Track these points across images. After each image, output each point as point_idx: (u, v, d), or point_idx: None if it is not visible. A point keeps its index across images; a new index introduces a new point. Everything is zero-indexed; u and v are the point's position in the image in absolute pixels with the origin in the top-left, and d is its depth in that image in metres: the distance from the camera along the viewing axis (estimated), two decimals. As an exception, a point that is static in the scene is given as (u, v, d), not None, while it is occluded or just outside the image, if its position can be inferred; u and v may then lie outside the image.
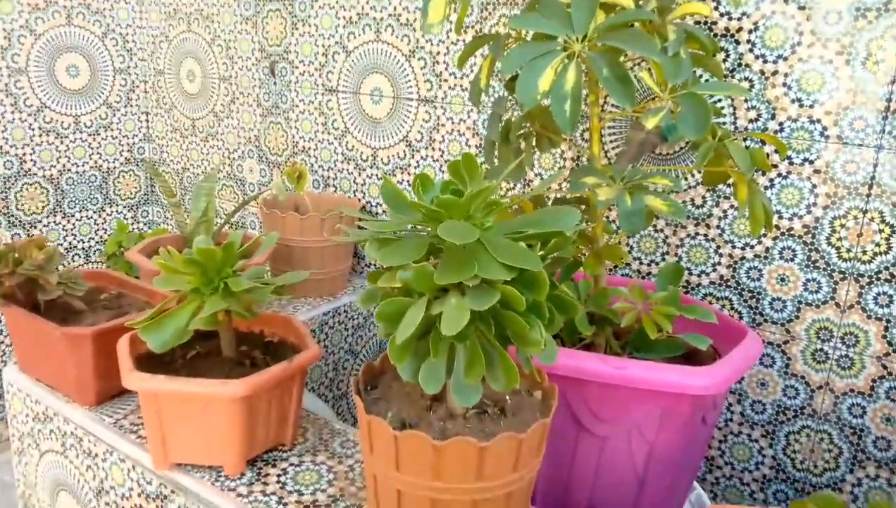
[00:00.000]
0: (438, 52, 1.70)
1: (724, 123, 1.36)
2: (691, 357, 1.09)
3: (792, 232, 1.33)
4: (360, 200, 1.95)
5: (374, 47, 1.81)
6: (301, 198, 1.89)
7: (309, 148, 2.02)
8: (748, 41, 1.30)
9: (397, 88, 1.79)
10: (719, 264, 1.42)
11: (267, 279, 1.11)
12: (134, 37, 2.33)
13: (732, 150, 1.03)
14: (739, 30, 1.31)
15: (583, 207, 1.11)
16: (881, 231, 1.25)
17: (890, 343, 1.27)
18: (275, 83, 2.04)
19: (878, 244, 1.26)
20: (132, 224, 2.41)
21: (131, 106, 2.36)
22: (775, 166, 1.32)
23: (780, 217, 1.34)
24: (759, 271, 1.38)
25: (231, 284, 1.03)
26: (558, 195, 1.19)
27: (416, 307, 0.73)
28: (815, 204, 1.30)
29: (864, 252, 1.27)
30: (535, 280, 0.74)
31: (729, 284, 1.42)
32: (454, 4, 1.03)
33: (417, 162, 1.81)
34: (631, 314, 1.00)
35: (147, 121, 2.40)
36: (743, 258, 1.39)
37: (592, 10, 0.98)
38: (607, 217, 1.51)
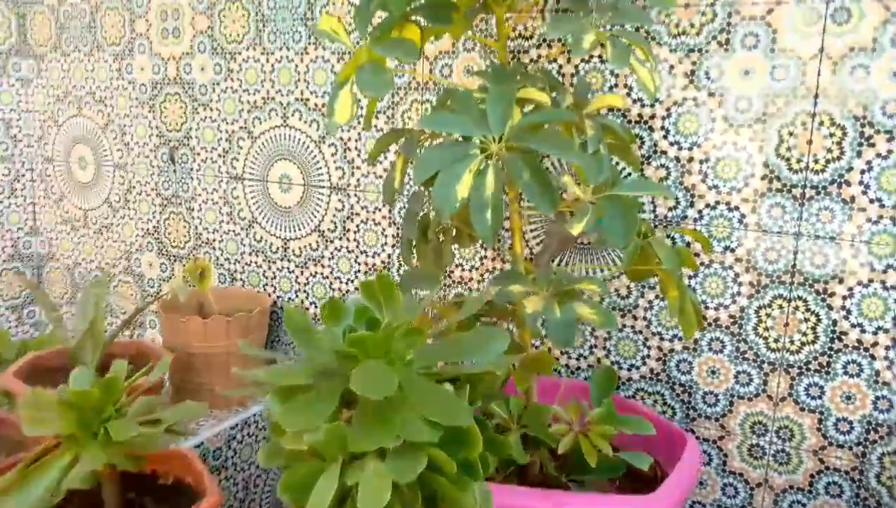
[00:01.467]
0: (350, 138, 1.62)
1: (644, 212, 1.32)
2: (633, 473, 1.01)
3: (719, 322, 1.30)
4: (270, 294, 1.82)
5: (281, 133, 1.72)
6: (205, 296, 1.74)
7: (213, 240, 1.88)
8: (662, 128, 1.28)
9: (307, 175, 1.70)
10: (648, 356, 1.37)
11: (159, 415, 0.97)
12: (18, 122, 2.15)
13: (659, 250, 0.98)
14: (653, 116, 1.29)
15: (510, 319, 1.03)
16: (807, 320, 1.23)
17: (825, 436, 1.23)
18: (175, 171, 1.91)
19: (804, 334, 1.23)
20: (16, 328, 2.18)
21: (16, 197, 2.16)
22: (697, 256, 1.29)
23: (706, 307, 1.30)
24: (690, 363, 1.33)
25: (113, 430, 0.88)
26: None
27: (327, 478, 0.62)
28: (739, 293, 1.27)
29: (792, 342, 1.25)
30: (467, 436, 0.64)
31: (660, 378, 1.36)
32: (362, 100, 0.95)
33: (332, 253, 1.70)
34: (569, 438, 0.91)
35: (34, 212, 2.21)
36: (672, 351, 1.34)
37: (509, 108, 0.93)
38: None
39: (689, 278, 1.30)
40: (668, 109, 1.28)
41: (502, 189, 0.87)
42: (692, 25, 1.23)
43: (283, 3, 1.64)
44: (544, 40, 1.35)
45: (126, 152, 2.00)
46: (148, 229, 2.00)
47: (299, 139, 1.69)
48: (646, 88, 0.97)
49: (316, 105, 1.65)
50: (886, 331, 1.17)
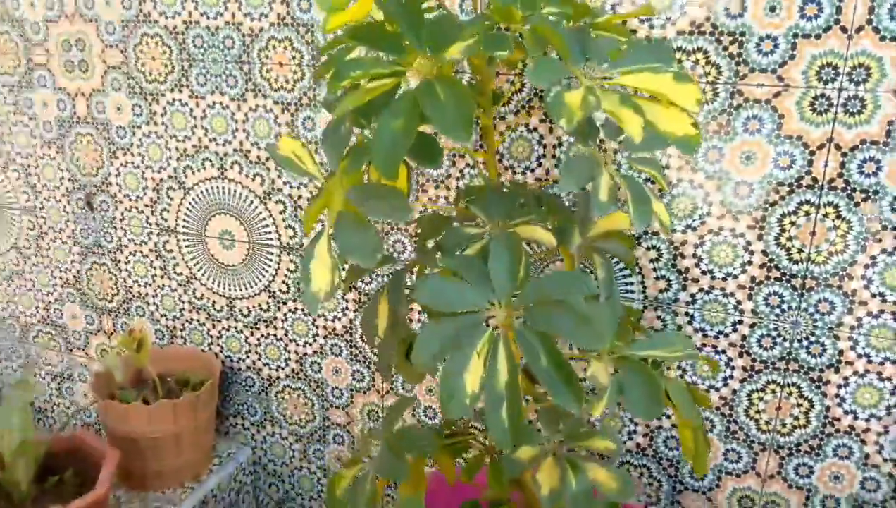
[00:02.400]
0: (300, 197, 1.45)
1: (633, 293, 1.24)
2: None
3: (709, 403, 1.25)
4: (217, 354, 1.67)
5: (218, 185, 1.53)
6: (145, 369, 1.57)
7: (146, 294, 1.69)
8: (652, 205, 1.19)
9: (252, 232, 1.53)
10: (635, 432, 1.32)
11: None
12: None
13: (674, 392, 0.90)
14: (641, 192, 1.19)
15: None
16: (799, 405, 1.20)
17: (819, 522, 1.23)
18: (94, 218, 1.68)
19: (797, 418, 1.21)
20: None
21: None
22: (689, 337, 1.23)
23: (696, 387, 1.25)
24: (677, 440, 1.30)
25: None
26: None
27: None
28: (731, 377, 1.23)
29: (784, 425, 1.22)
30: None
31: (647, 452, 1.32)
32: (341, 267, 0.81)
33: (285, 315, 1.56)
34: None
35: (-73, 256, 1.93)
36: (660, 427, 1.30)
37: (515, 263, 0.81)
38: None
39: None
40: (660, 190, 1.18)
41: (518, 375, 0.77)
42: (688, 102, 1.12)
43: (212, 42, 1.42)
44: (523, 107, 1.22)
45: (33, 195, 1.75)
46: (67, 279, 1.78)
47: (240, 194, 1.51)
48: (662, 224, 0.86)
49: (258, 158, 1.46)
50: (879, 419, 1.16)
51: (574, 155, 0.82)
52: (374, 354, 1.47)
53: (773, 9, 1.04)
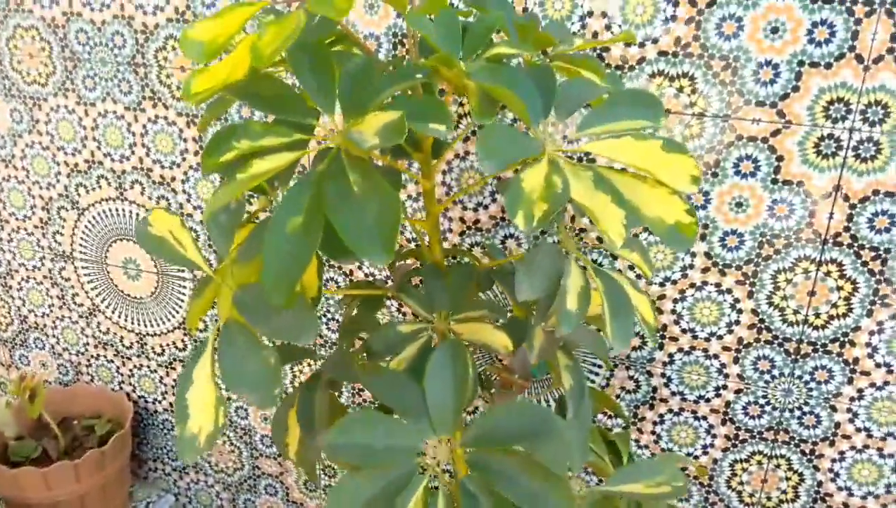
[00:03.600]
0: (213, 225, 1.23)
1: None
2: None
3: (686, 472, 1.10)
4: (129, 395, 1.46)
5: (117, 207, 1.29)
6: (42, 418, 1.36)
7: (43, 325, 1.47)
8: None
9: (161, 262, 1.30)
10: None
11: None
12: None
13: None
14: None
15: None
16: (788, 479, 1.06)
17: None
18: (-23, 239, 1.44)
19: (784, 492, 1.07)
20: None
21: None
22: (665, 401, 1.07)
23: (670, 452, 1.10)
24: None
25: None
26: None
27: None
28: (712, 445, 1.07)
29: (770, 499, 1.08)
30: None
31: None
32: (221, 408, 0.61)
33: (203, 355, 1.35)
34: None
35: None
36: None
37: (461, 389, 0.62)
38: None
39: (655, 423, 1.09)
40: (635, 234, 1.00)
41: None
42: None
43: (99, 39, 1.17)
44: (473, 132, 1.01)
45: None
46: (-47, 306, 1.54)
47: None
48: (648, 330, 0.68)
49: (162, 178, 1.23)
50: (877, 497, 1.02)
51: (535, 250, 0.63)
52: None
53: (775, 30, 0.84)
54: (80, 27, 1.18)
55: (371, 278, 1.12)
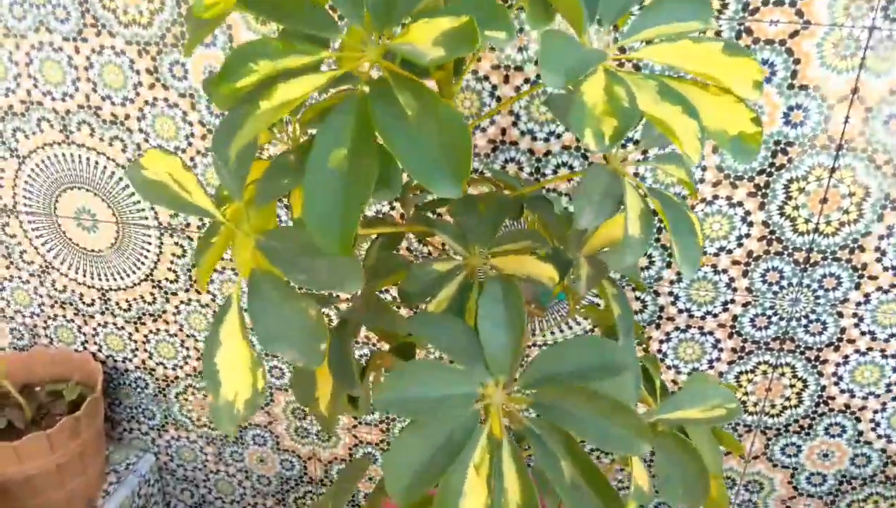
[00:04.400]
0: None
1: (609, 273, 1.04)
2: None
3: (693, 387, 1.10)
4: (95, 355, 1.36)
5: (63, 152, 1.16)
6: (6, 393, 1.26)
7: (-10, 288, 1.34)
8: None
9: (119, 210, 1.19)
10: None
11: None
12: None
13: (703, 447, 0.73)
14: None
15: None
16: (792, 386, 1.07)
17: (796, 489, 1.14)
18: None
19: (787, 398, 1.08)
20: None
21: None
22: (671, 320, 1.06)
23: (678, 372, 1.10)
24: (655, 424, 1.15)
25: None
26: None
27: None
28: (718, 359, 1.07)
29: (773, 406, 1.09)
30: None
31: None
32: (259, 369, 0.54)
33: (176, 307, 1.26)
34: None
35: None
36: (635, 413, 1.15)
37: (518, 331, 0.58)
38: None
39: (661, 341, 1.08)
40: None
41: (535, 495, 0.55)
42: (684, 45, 0.87)
43: (24, -42, 1.02)
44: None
45: None
46: None
47: (97, 162, 1.16)
48: (691, 192, 0.65)
49: (114, 116, 1.11)
50: (877, 396, 1.05)
51: (590, 176, 0.57)
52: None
53: (799, -79, 0.79)
54: (0, -56, 1.02)
55: (381, 215, 1.05)
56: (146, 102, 1.08)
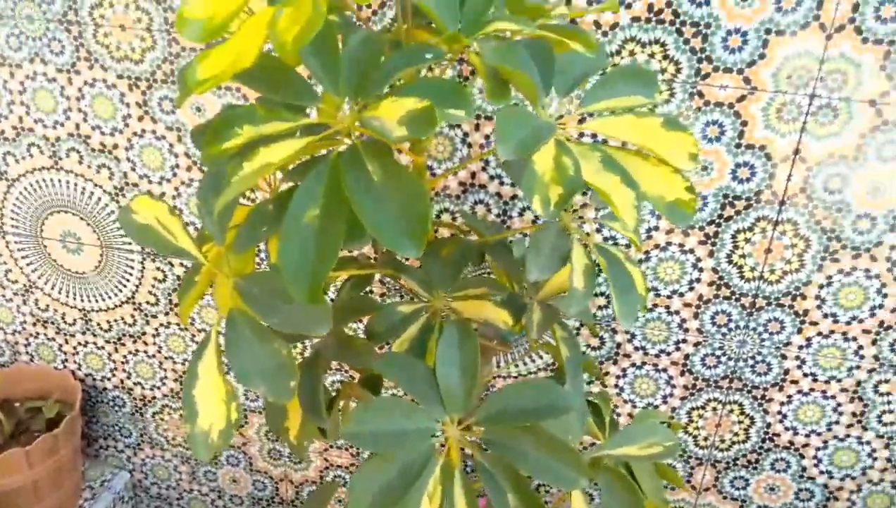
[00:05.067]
0: (164, 194, 1.17)
1: (570, 310, 1.10)
2: None
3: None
4: (74, 373, 1.39)
5: (51, 177, 1.21)
6: (-20, 409, 1.29)
7: (-27, 304, 1.37)
8: (595, 219, 1.03)
9: (104, 234, 1.24)
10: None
11: None
12: None
13: (645, 481, 0.79)
14: (584, 205, 1.03)
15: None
16: (740, 422, 1.13)
17: (753, 535, 1.20)
18: None
19: (736, 434, 1.15)
20: None
21: None
22: (628, 356, 1.12)
23: (634, 406, 1.16)
24: (612, 454, 1.21)
25: None
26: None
27: None
28: (671, 395, 1.14)
29: (723, 441, 1.16)
30: None
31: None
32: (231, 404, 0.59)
33: (156, 330, 1.30)
34: None
35: None
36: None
37: (472, 371, 0.63)
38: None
39: (618, 377, 1.14)
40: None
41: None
42: (641, 103, 0.94)
43: (23, -5, 1.07)
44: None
45: None
46: None
47: (83, 188, 1.20)
48: (636, 246, 0.71)
49: (103, 145, 1.16)
50: (819, 434, 1.11)
51: (541, 232, 0.63)
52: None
53: (745, -2, 0.86)
54: (1, -19, 1.07)
55: (353, 255, 1.10)
56: (134, 134, 1.13)
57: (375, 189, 0.52)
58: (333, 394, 0.82)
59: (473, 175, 1.04)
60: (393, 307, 0.70)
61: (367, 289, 1.11)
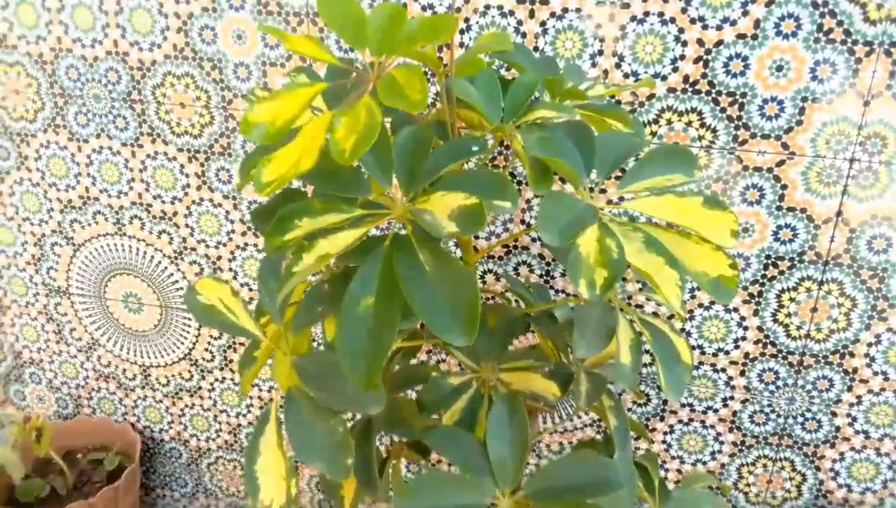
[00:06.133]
0: (220, 257, 1.23)
1: (614, 368, 1.11)
2: None
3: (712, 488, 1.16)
4: (133, 425, 1.45)
5: (115, 243, 1.28)
6: (48, 459, 1.34)
7: (39, 360, 1.44)
8: (640, 283, 1.05)
9: (163, 295, 1.29)
10: None
11: None
12: None
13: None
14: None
15: None
16: (792, 479, 1.12)
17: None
18: (-36, 277, 1.40)
19: (788, 491, 1.13)
20: None
21: None
22: (674, 413, 1.12)
23: (682, 462, 1.15)
24: (660, 511, 1.20)
25: None
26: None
27: None
28: (720, 451, 1.13)
29: (774, 497, 1.14)
30: None
31: (627, 524, 1.23)
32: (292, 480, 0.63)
33: (211, 385, 1.35)
34: None
35: None
36: (641, 500, 1.20)
37: (522, 445, 0.65)
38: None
39: (664, 433, 1.14)
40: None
41: None
42: (680, 167, 0.96)
43: (90, 75, 1.15)
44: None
45: None
46: (-61, 344, 1.49)
47: (144, 252, 1.27)
48: (679, 315, 0.72)
49: (164, 213, 1.22)
50: (874, 492, 1.09)
51: (587, 307, 0.66)
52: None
53: (779, 67, 0.88)
54: (71, 63, 1.15)
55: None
56: (193, 202, 1.19)
57: (427, 279, 0.55)
58: (385, 456, 0.84)
59: (516, 240, 1.07)
60: (443, 379, 0.73)
61: (418, 362, 1.14)
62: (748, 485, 1.14)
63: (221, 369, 1.33)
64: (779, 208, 0.95)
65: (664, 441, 1.15)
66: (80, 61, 1.15)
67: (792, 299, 1.00)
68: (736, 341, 1.04)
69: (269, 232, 0.59)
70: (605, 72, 0.94)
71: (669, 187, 0.67)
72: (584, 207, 0.61)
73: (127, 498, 1.34)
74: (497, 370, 0.74)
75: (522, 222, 1.06)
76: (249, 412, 1.35)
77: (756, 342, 1.04)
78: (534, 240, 1.06)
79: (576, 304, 0.73)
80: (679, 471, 1.16)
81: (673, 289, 0.60)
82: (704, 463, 1.15)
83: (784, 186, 0.94)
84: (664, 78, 0.92)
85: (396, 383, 0.75)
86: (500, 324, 0.76)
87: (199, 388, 1.36)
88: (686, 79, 0.91)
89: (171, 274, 1.27)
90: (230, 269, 1.23)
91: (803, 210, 0.95)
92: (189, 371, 1.35)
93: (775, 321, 1.02)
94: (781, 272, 0.99)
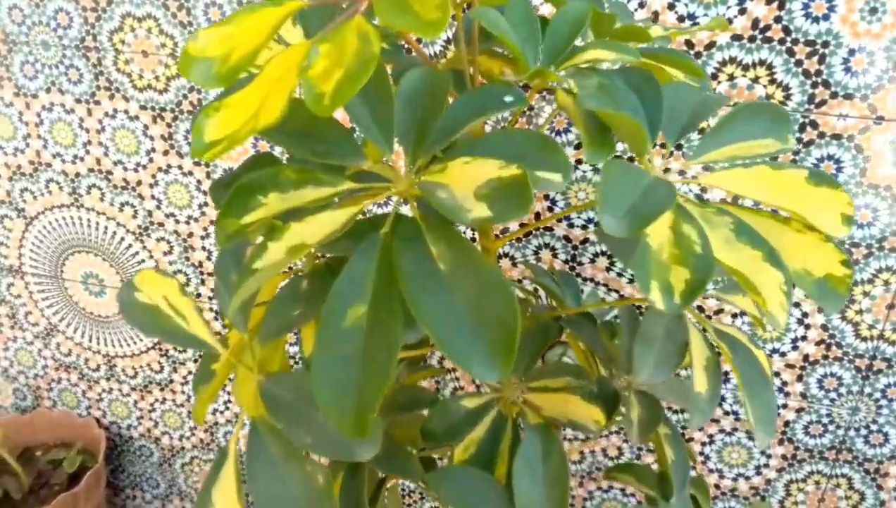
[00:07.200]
0: (191, 234, 1.06)
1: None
2: None
3: (736, 492, 1.01)
4: (99, 420, 1.29)
5: (71, 215, 1.11)
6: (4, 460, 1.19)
7: (-7, 347, 1.28)
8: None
9: (127, 276, 1.13)
10: (641, 520, 1.07)
11: None
12: None
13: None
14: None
15: None
16: (848, 497, 0.97)
17: None
18: None
19: (844, 512, 0.98)
20: None
21: None
22: (716, 422, 0.97)
23: (722, 476, 1.01)
24: (693, 529, 1.06)
25: None
26: None
27: None
28: (766, 465, 0.98)
29: (827, 518, 1.00)
30: None
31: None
32: None
33: (184, 378, 1.19)
34: None
35: None
36: (672, 516, 1.06)
37: (561, 489, 0.49)
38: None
39: (703, 444, 0.99)
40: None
41: None
42: (740, 135, 0.80)
43: (37, 17, 0.97)
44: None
45: None
46: None
47: (105, 227, 1.10)
48: (759, 326, 0.56)
49: (126, 182, 1.05)
50: (944, 515, 0.95)
51: (652, 319, 0.49)
52: None
53: (873, 10, 0.71)
54: (14, 3, 0.97)
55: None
56: (159, 169, 1.02)
57: (440, 281, 0.39)
58: (379, 476, 0.69)
59: (538, 215, 0.90)
60: (454, 402, 0.57)
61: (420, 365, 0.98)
62: (795, 504, 1.00)
63: (195, 360, 1.17)
64: (858, 185, 0.79)
65: (701, 453, 1.00)
66: (25, 1, 0.97)
67: (865, 294, 0.84)
68: (794, 340, 0.89)
69: (221, 212, 0.42)
70: (656, 14, 0.76)
71: (759, 156, 0.51)
72: (656, 182, 0.45)
73: (88, 504, 1.19)
74: (524, 390, 0.58)
75: (546, 197, 0.89)
76: (227, 408, 1.20)
77: (819, 343, 0.88)
78: (559, 220, 0.90)
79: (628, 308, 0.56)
80: (718, 486, 1.02)
81: (776, 295, 0.44)
82: (748, 478, 1.00)
83: (867, 158, 0.77)
84: (728, 22, 0.75)
85: (395, 406, 0.59)
86: (527, 331, 0.59)
87: (171, 381, 1.20)
88: (755, 24, 0.74)
89: (137, 253, 1.10)
90: (203, 248, 1.07)
91: (888, 187, 0.78)
92: (159, 363, 1.19)
93: (843, 318, 0.86)
94: (856, 261, 0.83)
